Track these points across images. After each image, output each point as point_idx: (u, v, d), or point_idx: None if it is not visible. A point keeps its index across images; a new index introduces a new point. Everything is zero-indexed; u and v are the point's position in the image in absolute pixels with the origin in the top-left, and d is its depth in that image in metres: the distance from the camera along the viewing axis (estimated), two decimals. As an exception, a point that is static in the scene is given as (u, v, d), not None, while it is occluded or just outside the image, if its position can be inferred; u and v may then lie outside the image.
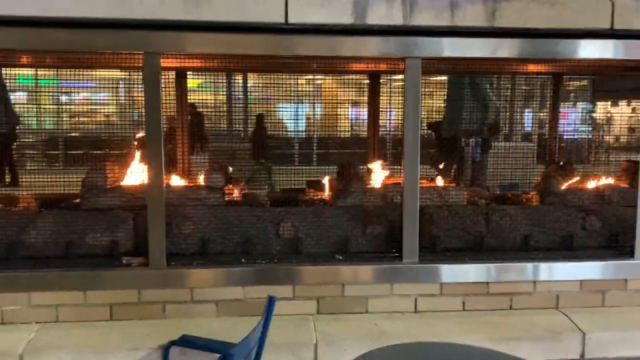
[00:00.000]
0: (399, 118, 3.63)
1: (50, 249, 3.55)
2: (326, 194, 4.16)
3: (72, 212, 3.68)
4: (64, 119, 4.19)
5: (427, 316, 3.59)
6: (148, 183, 3.45)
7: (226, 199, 3.91)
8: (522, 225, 3.90)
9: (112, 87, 3.95)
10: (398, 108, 3.68)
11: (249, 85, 4.55)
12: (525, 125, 5.39)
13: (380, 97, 4.53)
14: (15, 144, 4.51)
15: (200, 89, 4.08)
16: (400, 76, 3.58)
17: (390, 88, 4.58)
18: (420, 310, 3.64)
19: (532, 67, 4.32)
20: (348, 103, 4.48)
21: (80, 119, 4.18)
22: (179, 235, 3.63)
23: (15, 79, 3.99)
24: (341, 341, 3.25)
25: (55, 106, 4.19)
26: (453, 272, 3.65)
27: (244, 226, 3.70)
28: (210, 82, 3.90)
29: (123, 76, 3.87)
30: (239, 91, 4.62)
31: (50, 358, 3.04)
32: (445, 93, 4.98)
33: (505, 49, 3.54)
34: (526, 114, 5.28)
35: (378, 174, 4.30)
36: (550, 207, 4.07)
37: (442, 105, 4.88)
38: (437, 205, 3.90)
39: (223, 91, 4.15)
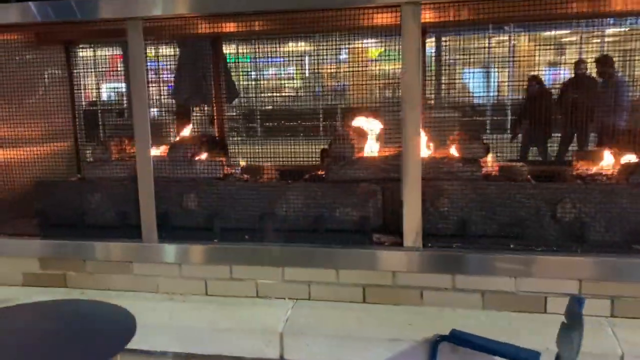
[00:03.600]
0: None
1: (300, 222, 3.40)
2: (610, 168, 3.37)
3: (319, 184, 3.47)
4: (305, 88, 4.01)
5: None
6: (403, 154, 3.06)
7: (484, 172, 3.37)
8: None
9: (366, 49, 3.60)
10: None
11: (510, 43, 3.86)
12: None
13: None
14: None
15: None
16: None
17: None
18: None
19: None
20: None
21: (322, 88, 3.96)
22: (435, 213, 3.20)
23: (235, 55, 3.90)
24: (655, 357, 2.53)
25: (291, 76, 4.05)
26: None
27: (509, 205, 3.14)
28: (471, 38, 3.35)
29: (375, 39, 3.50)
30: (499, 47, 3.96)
31: (309, 341, 2.85)
32: None
33: None
34: None
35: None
36: None
37: None
38: None
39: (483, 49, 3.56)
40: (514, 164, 3.49)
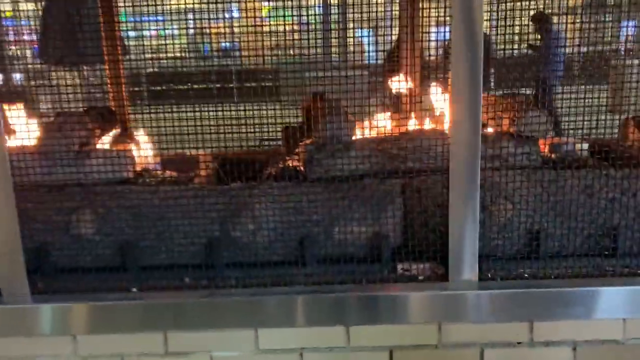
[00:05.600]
0: None
1: (275, 250, 2.12)
2: None
3: (298, 185, 2.18)
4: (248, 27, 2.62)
5: None
6: (452, 130, 1.88)
7: (551, 156, 2.29)
8: None
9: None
10: None
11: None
12: None
13: None
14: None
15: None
16: None
17: None
18: None
19: None
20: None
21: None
22: (495, 224, 2.07)
23: None
24: None
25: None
26: None
27: (596, 205, 2.09)
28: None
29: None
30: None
31: None
32: None
33: None
34: None
35: None
36: None
37: None
38: None
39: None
40: (570, 140, 2.43)
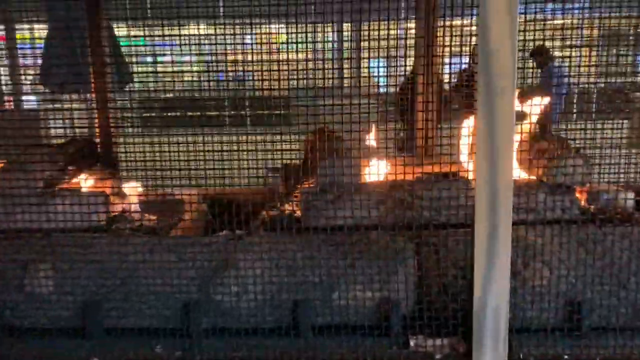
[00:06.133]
0: None
1: (264, 315, 1.78)
2: None
3: (293, 238, 1.85)
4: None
5: None
6: (478, 176, 1.56)
7: (593, 208, 1.95)
8: None
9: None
10: None
11: None
12: None
13: None
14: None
15: None
16: None
17: None
18: None
19: None
20: None
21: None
22: (525, 292, 1.72)
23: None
24: None
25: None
26: None
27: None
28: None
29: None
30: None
31: None
32: None
33: None
34: None
35: None
36: None
37: None
38: None
39: None
40: (611, 188, 2.09)
